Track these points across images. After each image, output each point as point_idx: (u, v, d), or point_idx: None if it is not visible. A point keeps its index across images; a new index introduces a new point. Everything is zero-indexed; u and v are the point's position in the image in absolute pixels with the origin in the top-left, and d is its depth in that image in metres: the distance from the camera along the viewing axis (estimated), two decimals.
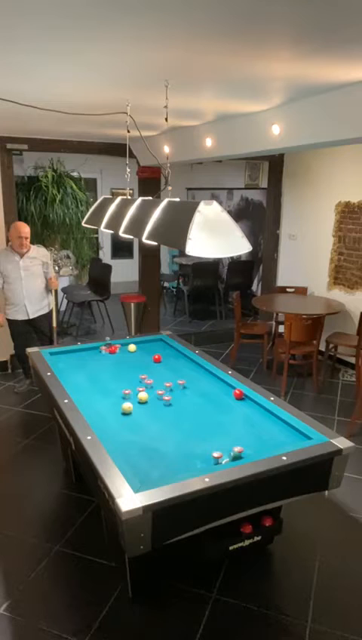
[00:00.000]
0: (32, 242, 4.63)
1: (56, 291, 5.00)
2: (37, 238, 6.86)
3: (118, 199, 3.05)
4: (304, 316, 4.81)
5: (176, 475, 2.10)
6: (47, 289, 4.86)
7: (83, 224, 3.54)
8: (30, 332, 4.88)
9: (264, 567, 2.74)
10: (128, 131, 3.22)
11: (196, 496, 2.01)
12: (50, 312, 4.93)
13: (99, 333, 6.94)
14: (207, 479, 2.06)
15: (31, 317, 4.76)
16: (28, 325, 4.82)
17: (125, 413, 2.76)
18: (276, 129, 3.36)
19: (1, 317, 4.72)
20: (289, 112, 3.25)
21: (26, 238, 4.56)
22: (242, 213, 8.24)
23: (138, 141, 4.45)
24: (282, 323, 5.26)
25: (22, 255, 4.60)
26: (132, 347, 3.81)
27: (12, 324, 4.78)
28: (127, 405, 2.78)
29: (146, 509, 1.91)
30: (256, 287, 7.94)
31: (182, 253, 6.30)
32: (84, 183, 7.30)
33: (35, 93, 2.85)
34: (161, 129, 4.44)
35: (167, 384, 3.10)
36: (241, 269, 7.85)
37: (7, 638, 2.28)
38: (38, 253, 4.73)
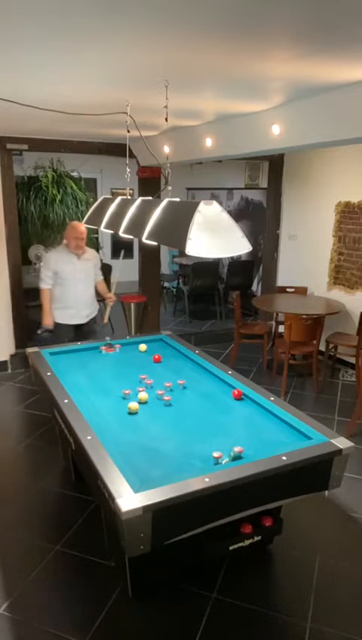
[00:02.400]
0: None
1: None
2: (37, 238, 6.86)
3: (118, 199, 3.05)
4: (304, 316, 4.81)
5: (176, 475, 2.10)
6: (96, 293, 4.63)
7: (83, 224, 3.54)
8: (73, 339, 4.45)
9: (264, 567, 2.74)
10: (128, 131, 3.22)
11: (196, 496, 2.01)
12: (94, 319, 4.69)
13: (99, 333, 6.92)
14: (207, 479, 2.06)
15: (83, 322, 4.51)
16: (74, 331, 4.52)
17: (131, 413, 2.76)
18: (276, 129, 3.36)
19: (51, 319, 4.42)
20: (289, 112, 3.24)
21: (83, 239, 4.31)
22: (242, 213, 8.23)
23: (138, 141, 4.45)
24: (282, 323, 5.25)
25: (79, 256, 4.37)
26: (142, 347, 3.81)
27: (60, 328, 4.45)
28: (134, 405, 2.78)
29: (146, 509, 1.91)
30: (256, 287, 7.94)
31: (182, 253, 6.30)
32: (84, 183, 7.29)
33: (35, 93, 2.85)
34: (161, 129, 4.44)
35: (167, 384, 3.10)
36: (241, 269, 7.84)
37: (7, 638, 2.28)
38: (90, 255, 4.51)
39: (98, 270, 4.63)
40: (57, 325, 4.44)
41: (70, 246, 4.34)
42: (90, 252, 4.53)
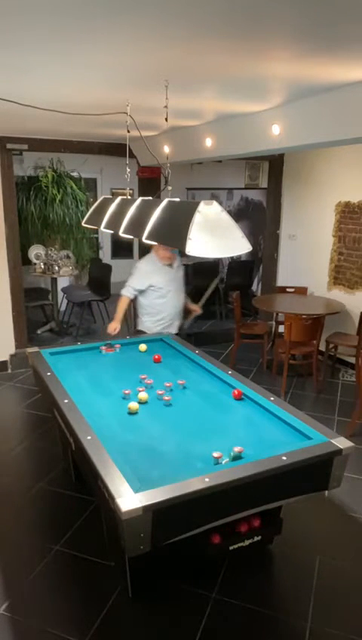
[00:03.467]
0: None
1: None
2: (37, 238, 6.87)
3: (118, 199, 3.05)
4: (304, 316, 4.81)
5: (176, 475, 2.10)
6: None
7: (83, 224, 3.53)
8: None
9: (264, 567, 2.74)
10: (128, 131, 3.22)
11: (196, 496, 2.01)
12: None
13: (99, 333, 6.94)
14: (207, 479, 2.06)
15: (177, 332, 4.30)
16: None
17: (132, 413, 2.76)
18: (276, 129, 3.36)
19: (117, 326, 4.10)
20: (289, 112, 3.25)
21: (170, 249, 4.02)
22: (242, 213, 8.23)
23: (138, 141, 4.45)
24: (282, 323, 5.25)
25: (172, 266, 4.16)
26: (142, 347, 3.81)
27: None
28: (134, 405, 2.78)
29: (146, 508, 1.91)
30: (256, 287, 7.94)
31: (182, 253, 6.31)
32: (84, 183, 7.31)
33: (35, 93, 2.85)
34: (161, 129, 4.44)
35: (167, 384, 3.10)
36: (241, 269, 7.84)
37: (7, 638, 2.28)
38: (177, 262, 4.25)
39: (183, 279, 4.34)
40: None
41: (158, 256, 4.11)
42: (178, 261, 4.27)
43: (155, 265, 4.13)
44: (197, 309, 4.46)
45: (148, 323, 4.24)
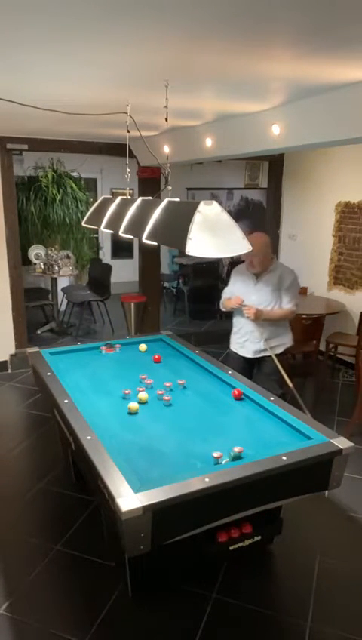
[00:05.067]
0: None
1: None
2: (37, 238, 6.87)
3: (118, 199, 3.05)
4: (304, 316, 4.81)
5: (176, 475, 2.10)
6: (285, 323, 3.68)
7: (83, 224, 3.53)
8: (250, 371, 3.69)
9: (264, 568, 2.74)
10: (128, 131, 3.22)
11: (196, 496, 2.01)
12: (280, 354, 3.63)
13: (99, 333, 6.94)
14: (207, 479, 2.06)
15: (251, 356, 3.67)
16: (247, 364, 3.71)
17: (131, 413, 2.76)
18: (276, 129, 3.36)
19: (238, 300, 3.52)
20: (289, 112, 3.24)
21: (254, 255, 3.33)
22: (242, 213, 8.24)
23: (138, 141, 4.45)
24: None
25: (257, 276, 3.57)
26: (142, 347, 3.81)
27: (230, 356, 3.80)
28: (134, 405, 2.78)
29: (146, 508, 1.90)
30: None
31: (182, 253, 6.29)
32: (84, 183, 7.31)
33: (35, 93, 2.85)
34: (161, 129, 4.44)
35: (167, 384, 3.10)
36: None
37: (7, 638, 2.28)
38: (274, 276, 3.56)
39: (286, 295, 3.54)
40: (229, 353, 3.83)
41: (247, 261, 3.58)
42: (277, 271, 3.57)
43: (242, 271, 3.68)
44: (246, 306, 3.53)
45: (231, 336, 3.79)
